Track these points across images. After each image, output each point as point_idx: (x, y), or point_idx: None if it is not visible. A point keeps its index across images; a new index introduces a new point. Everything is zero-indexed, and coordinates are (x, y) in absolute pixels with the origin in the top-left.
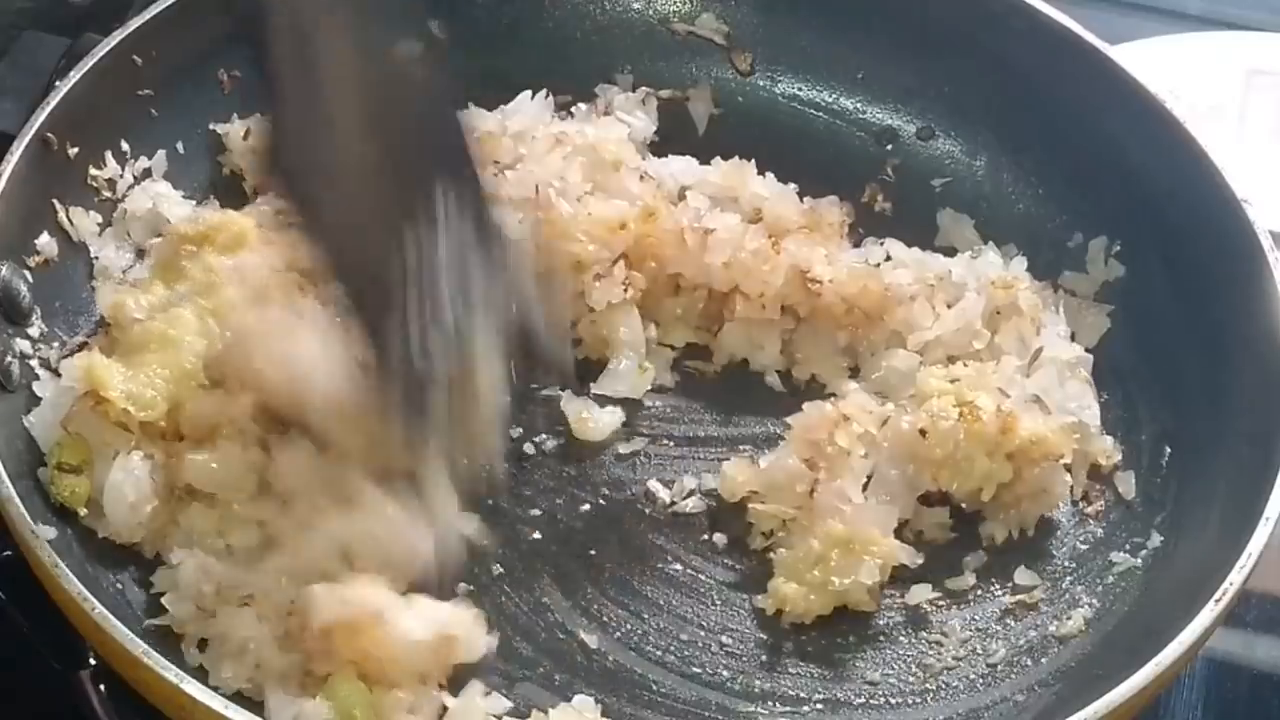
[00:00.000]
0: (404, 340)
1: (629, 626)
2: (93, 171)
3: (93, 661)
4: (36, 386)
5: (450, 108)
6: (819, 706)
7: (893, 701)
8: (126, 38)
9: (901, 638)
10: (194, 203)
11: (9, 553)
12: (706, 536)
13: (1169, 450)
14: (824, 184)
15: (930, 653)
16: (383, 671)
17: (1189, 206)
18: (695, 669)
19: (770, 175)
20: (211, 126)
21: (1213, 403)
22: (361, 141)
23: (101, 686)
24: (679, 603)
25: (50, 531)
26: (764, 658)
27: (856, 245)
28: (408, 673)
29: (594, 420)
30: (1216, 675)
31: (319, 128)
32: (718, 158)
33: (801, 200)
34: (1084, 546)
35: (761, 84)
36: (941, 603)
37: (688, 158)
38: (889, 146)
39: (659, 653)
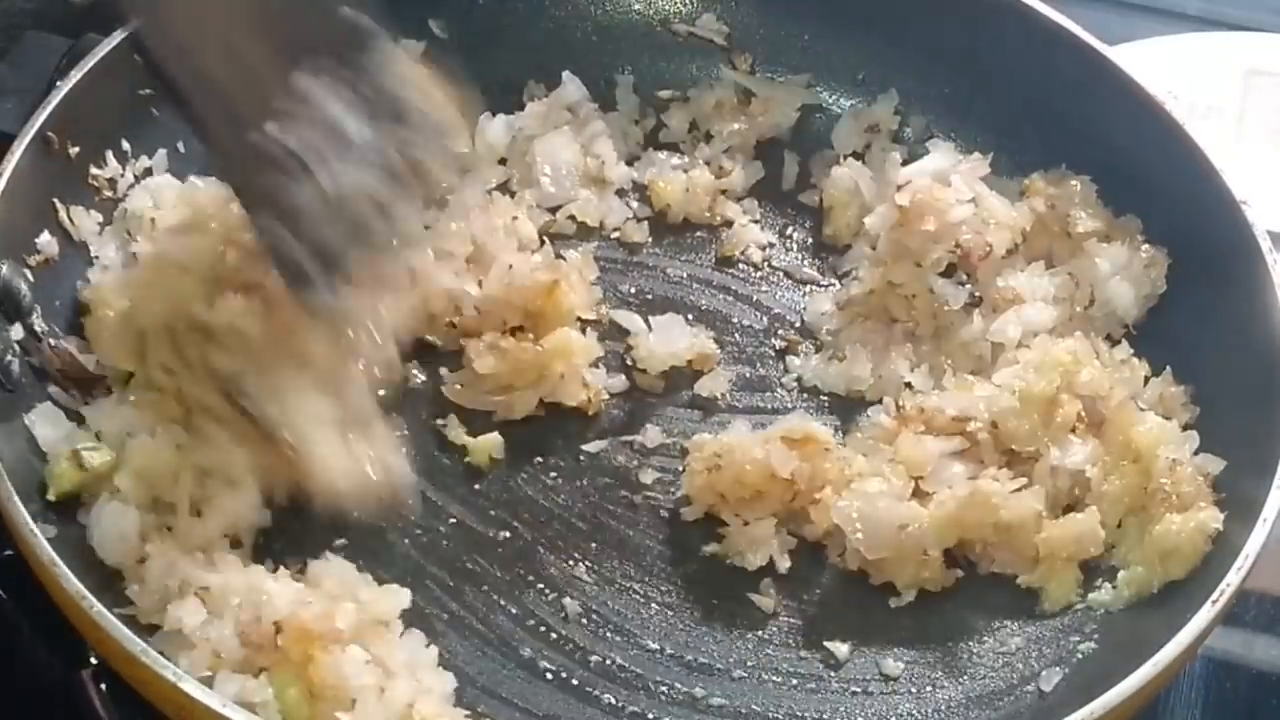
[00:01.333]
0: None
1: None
2: (93, 171)
3: (93, 661)
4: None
5: None
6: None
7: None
8: (128, 37)
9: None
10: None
11: (10, 552)
12: None
13: None
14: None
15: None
16: (325, 685)
17: (1187, 206)
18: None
19: None
20: None
21: (1211, 402)
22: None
23: (102, 686)
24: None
25: (50, 530)
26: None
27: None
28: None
29: None
30: (1216, 674)
31: None
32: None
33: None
34: None
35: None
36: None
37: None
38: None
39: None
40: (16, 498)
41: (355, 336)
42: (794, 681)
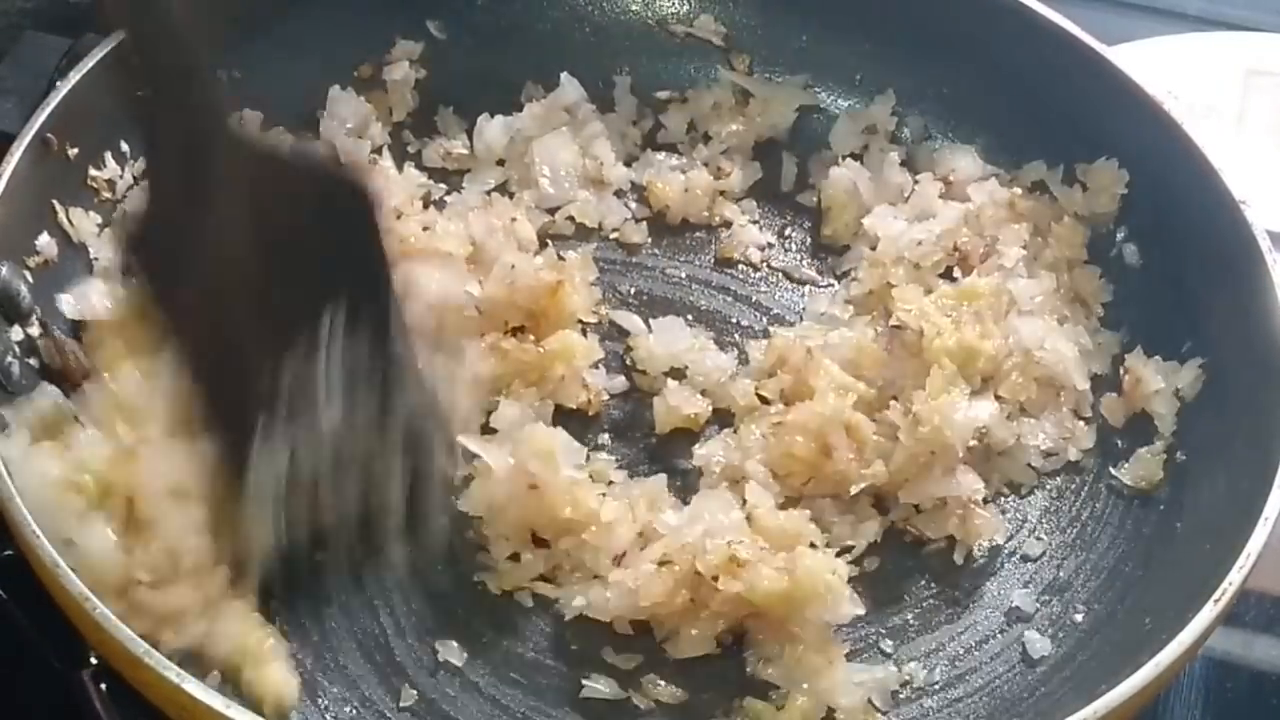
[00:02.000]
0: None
1: None
2: (92, 172)
3: (93, 661)
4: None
5: (364, 214)
6: None
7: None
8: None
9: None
10: None
11: (10, 552)
12: None
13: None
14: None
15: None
16: None
17: (1187, 206)
18: None
19: None
20: None
21: (1211, 402)
22: (247, 252)
23: (102, 686)
24: None
25: None
26: None
27: None
28: None
29: None
30: (1216, 674)
31: (200, 225)
32: None
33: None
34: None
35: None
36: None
37: None
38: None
39: None
40: (19, 499)
41: None
42: None
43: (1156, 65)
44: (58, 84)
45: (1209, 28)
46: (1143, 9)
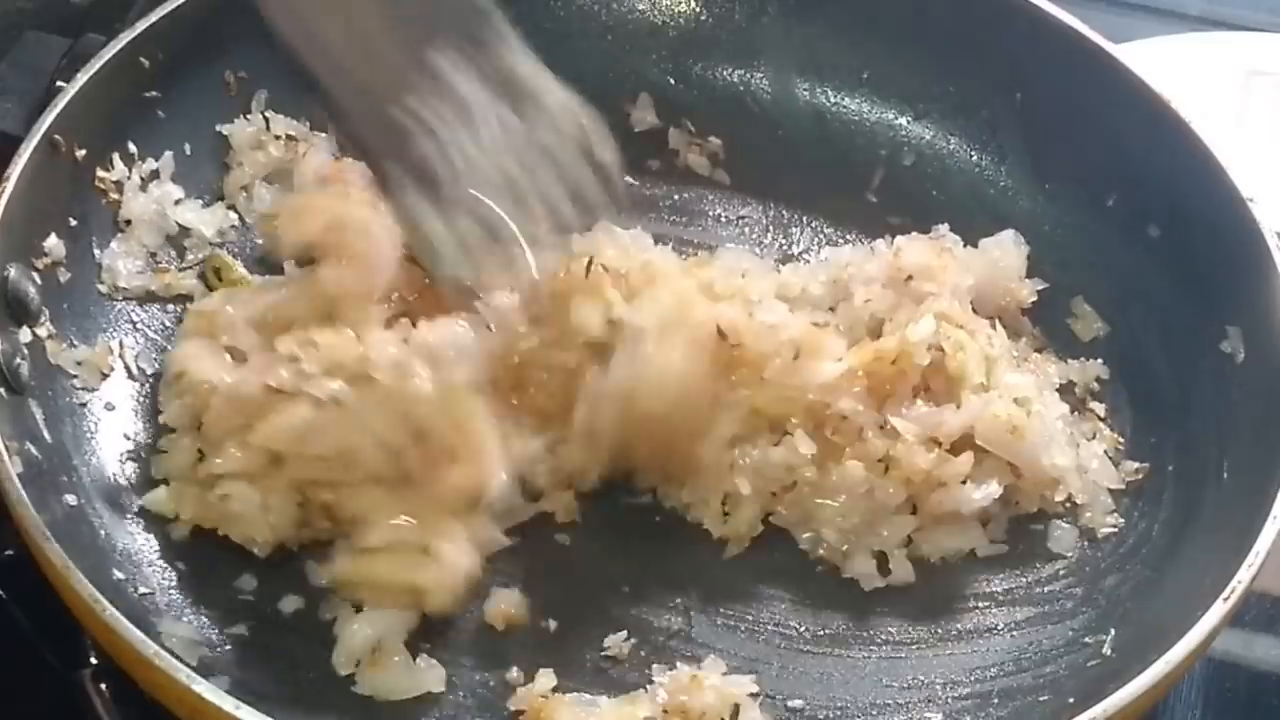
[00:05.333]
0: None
1: None
2: (100, 173)
3: (94, 661)
4: None
5: None
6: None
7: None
8: (134, 39)
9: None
10: (201, 203)
11: (10, 552)
12: None
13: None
14: (827, 185)
15: None
16: None
17: (1193, 204)
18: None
19: None
20: (218, 128)
21: (1219, 400)
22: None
23: (103, 686)
24: None
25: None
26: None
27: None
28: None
29: None
30: (1216, 674)
31: None
32: None
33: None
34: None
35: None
36: None
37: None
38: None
39: None
40: (29, 502)
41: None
42: None
43: (1156, 65)
44: (65, 85)
45: (1209, 28)
46: (1143, 9)
